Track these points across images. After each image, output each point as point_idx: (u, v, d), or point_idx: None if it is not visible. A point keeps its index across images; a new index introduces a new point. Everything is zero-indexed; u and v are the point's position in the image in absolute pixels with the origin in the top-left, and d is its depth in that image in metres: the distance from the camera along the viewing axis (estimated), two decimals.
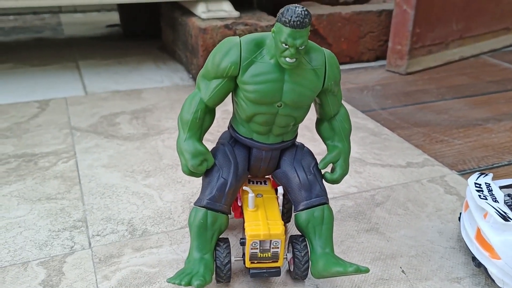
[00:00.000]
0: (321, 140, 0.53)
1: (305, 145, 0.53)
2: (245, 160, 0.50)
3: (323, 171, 0.51)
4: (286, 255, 0.51)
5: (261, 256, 0.48)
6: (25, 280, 0.50)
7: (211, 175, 0.48)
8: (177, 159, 0.74)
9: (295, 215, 0.50)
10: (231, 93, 0.48)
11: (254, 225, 0.47)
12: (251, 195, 0.49)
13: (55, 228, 0.58)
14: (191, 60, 1.08)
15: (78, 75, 1.11)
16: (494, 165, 0.76)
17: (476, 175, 0.56)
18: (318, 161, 0.51)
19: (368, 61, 1.26)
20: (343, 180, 0.56)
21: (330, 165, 0.53)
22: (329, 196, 0.51)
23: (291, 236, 0.50)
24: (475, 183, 0.54)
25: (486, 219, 0.50)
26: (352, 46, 1.23)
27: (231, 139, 0.51)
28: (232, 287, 0.50)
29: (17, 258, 0.53)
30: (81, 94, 1.00)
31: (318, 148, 0.71)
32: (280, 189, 0.51)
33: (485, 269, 0.49)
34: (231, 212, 0.52)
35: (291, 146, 0.51)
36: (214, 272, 0.48)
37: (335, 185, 0.67)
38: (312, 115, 0.55)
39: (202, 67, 0.50)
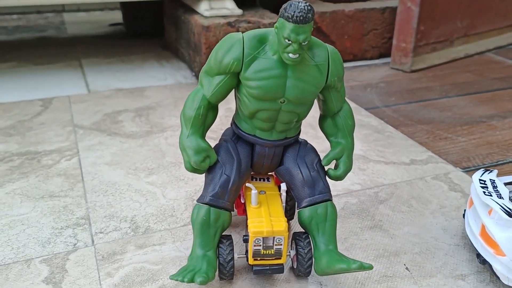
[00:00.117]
0: (324, 137, 0.52)
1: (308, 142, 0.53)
2: (248, 157, 0.50)
3: (326, 168, 0.51)
4: (289, 252, 0.51)
5: (264, 253, 0.47)
6: (28, 277, 0.50)
7: (214, 171, 0.48)
8: (180, 156, 0.74)
9: (298, 212, 0.50)
10: (233, 89, 0.48)
11: (257, 222, 0.47)
12: (254, 192, 0.49)
13: (58, 226, 0.58)
14: (194, 58, 1.08)
15: (81, 74, 1.11)
16: (499, 162, 0.75)
17: (480, 171, 0.55)
18: (322, 158, 0.51)
19: (371, 58, 1.26)
20: (346, 177, 0.56)
21: (334, 162, 0.52)
22: (332, 193, 0.51)
23: (294, 233, 0.50)
24: (480, 180, 0.53)
25: (491, 215, 0.49)
26: (356, 43, 1.23)
27: (234, 135, 0.50)
28: (235, 284, 0.50)
29: (20, 255, 0.53)
30: (84, 92, 1.00)
31: (321, 145, 0.71)
32: (284, 186, 0.50)
33: (490, 266, 0.49)
34: (234, 209, 0.52)
35: (294, 143, 0.51)
36: (217, 269, 0.48)
37: (338, 182, 0.67)
38: (315, 113, 0.54)
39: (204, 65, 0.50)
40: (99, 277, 0.50)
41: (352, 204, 0.64)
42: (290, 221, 0.59)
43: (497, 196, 0.50)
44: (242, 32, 0.46)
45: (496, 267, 0.48)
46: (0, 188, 0.65)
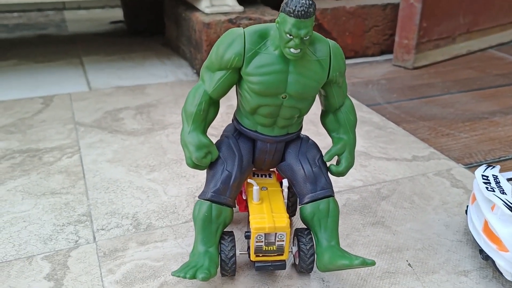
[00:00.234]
0: (326, 134, 0.52)
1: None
2: (250, 153, 0.49)
3: (328, 164, 0.51)
4: (291, 248, 0.50)
5: (266, 249, 0.47)
6: (30, 274, 0.50)
7: (215, 168, 0.48)
8: (181, 153, 0.74)
9: (300, 208, 0.49)
10: (235, 85, 0.48)
11: (259, 218, 0.47)
12: (255, 188, 0.48)
13: (59, 223, 0.58)
14: (195, 55, 1.07)
15: (82, 71, 1.11)
16: (501, 158, 0.75)
17: (483, 167, 0.55)
18: (323, 154, 0.51)
19: (373, 55, 1.26)
20: (348, 173, 0.56)
21: (336, 158, 0.52)
22: (334, 189, 0.51)
23: (296, 229, 0.50)
24: (482, 175, 0.53)
25: (493, 211, 0.49)
26: (357, 40, 1.22)
27: (236, 131, 0.50)
28: (237, 281, 0.50)
29: (21, 252, 0.53)
30: (85, 90, 1.00)
31: (323, 142, 0.70)
32: (285, 182, 0.50)
33: (493, 261, 0.49)
34: (236, 205, 0.52)
35: (296, 139, 0.51)
36: (219, 266, 0.48)
37: (340, 179, 0.67)
38: (317, 109, 0.54)
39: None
40: (100, 273, 0.50)
41: (354, 200, 0.64)
42: (292, 218, 0.59)
43: (500, 192, 0.49)
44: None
45: (499, 262, 0.48)
46: (1, 185, 0.65)
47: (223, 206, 0.48)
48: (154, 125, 0.84)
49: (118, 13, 1.66)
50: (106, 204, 0.62)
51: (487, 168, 0.55)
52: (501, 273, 0.49)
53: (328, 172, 0.50)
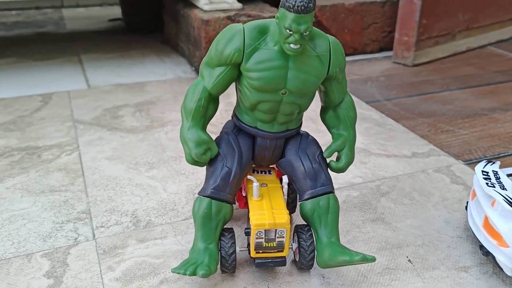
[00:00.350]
0: (325, 131, 0.52)
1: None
2: (250, 149, 0.49)
3: (328, 160, 0.51)
4: (292, 245, 0.50)
5: (266, 245, 0.47)
6: (29, 271, 0.50)
7: (215, 164, 0.48)
8: (180, 151, 0.74)
9: (300, 204, 0.49)
10: (234, 82, 0.48)
11: (259, 215, 0.47)
12: (255, 184, 0.48)
13: (59, 220, 0.58)
14: (193, 52, 1.07)
15: (81, 69, 1.10)
16: (501, 155, 0.75)
17: (483, 163, 0.55)
18: (323, 150, 0.50)
19: (372, 52, 1.25)
20: (348, 170, 0.56)
21: (336, 154, 0.52)
22: (334, 186, 0.51)
23: (297, 226, 0.50)
24: (483, 171, 0.53)
25: (494, 207, 0.49)
26: (356, 37, 1.22)
27: (235, 128, 0.50)
28: (237, 277, 0.50)
29: (21, 249, 0.53)
30: (84, 88, 0.99)
31: (322, 139, 0.70)
32: (285, 178, 0.50)
33: (493, 257, 0.49)
34: (236, 202, 0.52)
35: (295, 135, 0.51)
36: (219, 262, 0.48)
37: (339, 176, 0.67)
38: (316, 107, 0.54)
39: None
40: (100, 271, 0.50)
41: (354, 197, 0.64)
42: (292, 214, 0.59)
43: (500, 188, 0.49)
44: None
45: (500, 258, 0.48)
46: (0, 183, 0.65)
47: (223, 202, 0.47)
48: (153, 122, 0.84)
49: (116, 11, 1.65)
50: (106, 202, 0.62)
51: (487, 164, 0.55)
52: (501, 269, 0.49)
53: (328, 169, 0.50)
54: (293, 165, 0.49)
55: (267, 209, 0.47)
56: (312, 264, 0.49)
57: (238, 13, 1.01)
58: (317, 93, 0.50)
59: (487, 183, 0.50)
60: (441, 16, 1.17)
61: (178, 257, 0.52)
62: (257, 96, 0.45)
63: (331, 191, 0.49)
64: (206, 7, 1.02)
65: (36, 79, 1.04)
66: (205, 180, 0.49)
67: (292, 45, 0.42)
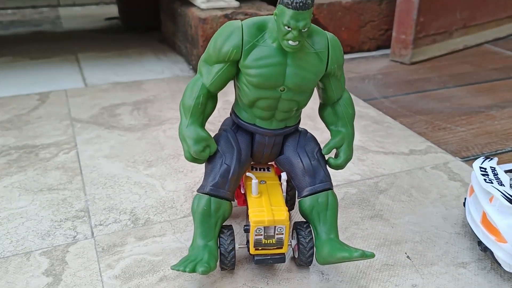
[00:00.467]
0: (323, 129, 0.52)
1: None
2: (248, 146, 0.49)
3: (326, 157, 0.51)
4: (291, 242, 0.50)
5: (266, 242, 0.47)
6: (28, 269, 0.50)
7: (214, 161, 0.48)
8: (178, 149, 0.74)
9: (299, 201, 0.49)
10: (233, 79, 0.48)
11: (258, 211, 0.47)
12: (254, 181, 0.48)
13: (57, 218, 0.58)
14: (191, 51, 1.07)
15: (78, 68, 1.10)
16: (498, 152, 0.75)
17: (481, 159, 0.55)
18: (322, 147, 0.51)
19: (369, 50, 1.26)
20: (346, 167, 0.56)
21: (334, 151, 0.52)
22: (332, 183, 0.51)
23: (295, 223, 0.50)
24: (480, 167, 0.53)
25: (492, 203, 0.49)
26: (353, 35, 1.22)
27: (234, 125, 0.50)
28: (237, 274, 0.50)
29: (19, 248, 0.53)
30: (81, 86, 0.99)
31: (320, 136, 0.70)
32: (284, 175, 0.50)
33: (491, 253, 0.49)
34: (234, 199, 0.52)
35: (294, 132, 0.51)
36: (218, 259, 0.48)
37: (337, 173, 0.67)
38: (313, 104, 0.54)
39: None
40: (99, 268, 0.50)
41: (352, 194, 0.64)
42: (291, 212, 0.59)
43: (498, 184, 0.50)
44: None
45: (498, 254, 0.48)
46: None
47: (222, 199, 0.48)
48: (151, 120, 0.84)
49: (113, 10, 1.65)
50: (104, 200, 0.61)
51: (485, 160, 0.55)
52: (499, 264, 0.49)
53: (327, 165, 0.50)
54: (292, 162, 0.49)
55: (266, 206, 0.47)
56: (311, 261, 0.49)
57: (235, 11, 1.00)
58: (315, 90, 0.50)
59: (485, 179, 0.51)
60: (439, 14, 1.18)
61: (177, 255, 0.52)
62: (256, 93, 0.45)
63: (330, 188, 0.49)
64: (203, 6, 1.02)
65: (33, 78, 1.03)
66: (204, 178, 0.49)
67: (290, 42, 0.42)
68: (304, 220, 0.50)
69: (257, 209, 0.47)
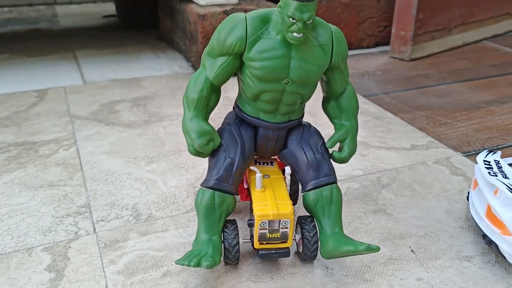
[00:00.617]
0: (324, 124, 0.52)
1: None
2: (252, 140, 0.49)
3: (330, 150, 0.51)
4: (295, 236, 0.50)
5: (270, 236, 0.47)
6: (30, 265, 0.49)
7: (217, 155, 0.48)
8: (179, 145, 0.73)
9: (303, 195, 0.49)
10: (236, 73, 0.47)
11: (263, 205, 0.46)
12: (258, 175, 0.48)
13: (58, 214, 0.57)
14: (190, 47, 1.07)
15: (76, 65, 1.09)
16: (499, 146, 0.75)
17: (484, 152, 0.55)
18: (326, 141, 0.50)
19: (368, 47, 1.26)
20: (348, 162, 0.56)
21: (338, 144, 0.52)
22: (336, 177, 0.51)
23: (300, 217, 0.50)
24: (484, 161, 0.53)
25: (496, 195, 0.49)
26: (352, 32, 1.22)
27: (237, 119, 0.50)
28: (241, 269, 0.49)
29: (21, 244, 0.52)
30: (80, 83, 0.98)
31: (321, 132, 0.70)
32: (288, 169, 0.50)
33: (496, 246, 0.49)
34: (237, 194, 0.52)
35: (298, 126, 0.50)
36: (222, 254, 0.47)
37: (340, 168, 0.67)
38: (315, 101, 0.54)
39: (201, 54, 0.49)
40: (102, 264, 0.50)
41: (355, 189, 0.64)
42: (294, 206, 0.59)
43: (503, 176, 0.50)
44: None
45: (503, 247, 0.48)
46: None
47: (226, 194, 0.47)
48: (151, 117, 0.83)
49: (110, 8, 1.64)
50: (105, 196, 0.61)
51: (488, 153, 0.55)
52: (504, 258, 0.49)
53: (331, 159, 0.50)
54: (296, 155, 0.49)
55: (270, 200, 0.47)
56: (316, 255, 0.49)
57: (234, 8, 1.00)
58: (318, 85, 0.49)
59: (489, 172, 0.50)
60: (438, 11, 1.18)
61: (180, 250, 0.52)
62: (260, 86, 0.45)
63: (334, 182, 0.49)
64: (202, 2, 1.02)
65: (30, 75, 1.03)
66: (207, 172, 0.48)
67: (295, 34, 0.41)
68: (308, 214, 0.49)
69: (261, 203, 0.47)
